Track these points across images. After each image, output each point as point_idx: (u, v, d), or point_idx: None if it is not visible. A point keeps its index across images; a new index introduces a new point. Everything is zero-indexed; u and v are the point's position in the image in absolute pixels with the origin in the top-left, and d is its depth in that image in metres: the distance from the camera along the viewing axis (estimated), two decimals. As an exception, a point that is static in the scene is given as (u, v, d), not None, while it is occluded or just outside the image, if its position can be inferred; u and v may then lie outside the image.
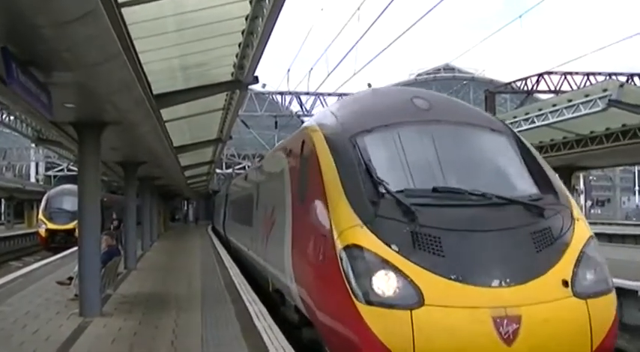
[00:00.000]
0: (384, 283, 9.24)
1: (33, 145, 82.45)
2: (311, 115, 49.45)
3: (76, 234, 17.14)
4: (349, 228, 9.92)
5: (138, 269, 25.93)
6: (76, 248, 21.68)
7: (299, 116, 61.62)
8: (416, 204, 9.93)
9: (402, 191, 10.30)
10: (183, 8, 13.50)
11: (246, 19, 14.25)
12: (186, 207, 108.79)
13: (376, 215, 9.92)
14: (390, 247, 9.46)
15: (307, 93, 58.86)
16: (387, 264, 9.32)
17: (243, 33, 15.08)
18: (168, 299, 18.14)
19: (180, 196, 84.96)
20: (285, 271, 13.21)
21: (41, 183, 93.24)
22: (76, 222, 45.00)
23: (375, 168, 10.63)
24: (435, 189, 10.40)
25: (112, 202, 55.54)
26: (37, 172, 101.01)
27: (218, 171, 76.56)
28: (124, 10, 10.28)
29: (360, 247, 9.61)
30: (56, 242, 48.87)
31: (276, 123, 63.93)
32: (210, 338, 12.85)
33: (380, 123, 11.52)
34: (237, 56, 16.89)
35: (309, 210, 11.58)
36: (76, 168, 75.04)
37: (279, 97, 61.40)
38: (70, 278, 18.28)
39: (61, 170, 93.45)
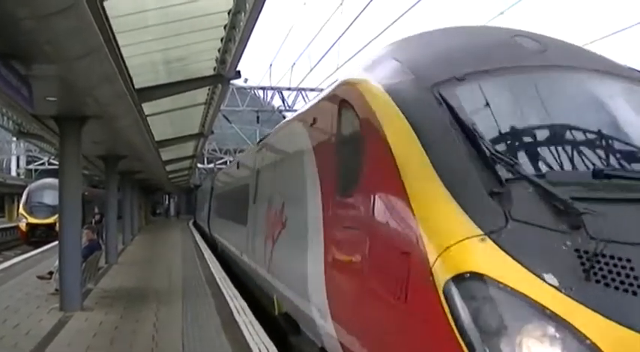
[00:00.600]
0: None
1: (14, 139, 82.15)
2: (293, 111, 49.38)
3: (57, 228, 17.08)
4: (460, 243, 5.62)
5: (119, 264, 25.89)
6: (56, 242, 21.66)
7: (281, 111, 61.63)
8: (576, 198, 5.72)
9: (541, 175, 6.09)
10: (166, 2, 13.45)
11: (229, 13, 14.22)
12: (167, 202, 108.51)
13: (508, 218, 5.68)
14: (542, 279, 5.29)
15: (289, 89, 58.80)
16: (543, 314, 5.13)
17: (225, 27, 15.05)
18: (149, 293, 18.12)
19: (162, 190, 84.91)
20: (309, 297, 9.22)
21: (22, 176, 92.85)
22: (56, 216, 45.06)
23: (485, 137, 6.27)
24: (598, 173, 6.15)
25: (93, 196, 55.38)
26: (17, 166, 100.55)
27: (200, 165, 76.43)
28: (105, 4, 10.24)
29: (484, 278, 5.37)
30: (37, 236, 48.79)
31: (258, 118, 63.87)
32: (190, 332, 12.86)
33: (476, 67, 7.16)
34: (219, 51, 16.86)
35: (367, 207, 7.19)
36: (57, 162, 74.90)
37: (260, 92, 61.30)
38: (51, 273, 18.27)
39: (42, 164, 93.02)
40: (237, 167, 24.93)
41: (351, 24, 22.58)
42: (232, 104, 56.97)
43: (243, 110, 62.30)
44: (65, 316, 14.49)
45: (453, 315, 5.28)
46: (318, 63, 43.21)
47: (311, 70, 49.80)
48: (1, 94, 10.73)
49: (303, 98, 56.48)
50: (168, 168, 42.59)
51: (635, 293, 5.17)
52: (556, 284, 5.23)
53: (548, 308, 5.10)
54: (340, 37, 23.85)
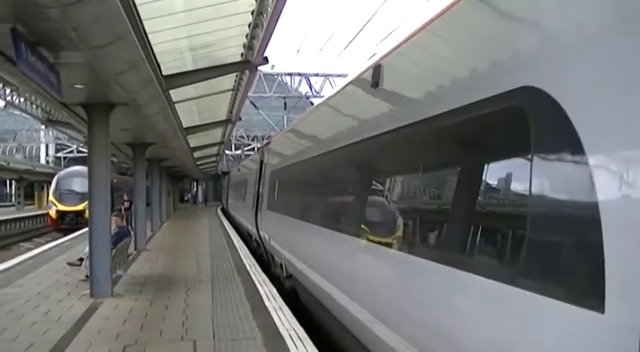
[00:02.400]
0: None
1: (43, 127, 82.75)
2: (320, 97, 49.31)
3: (86, 215, 17.17)
4: None
5: (148, 250, 26.00)
6: (85, 229, 21.75)
7: (308, 97, 61.60)
8: None
9: None
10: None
11: (256, -1, 14.19)
12: (195, 189, 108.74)
13: None
14: None
15: (317, 75, 58.79)
16: None
17: (252, 13, 14.99)
18: (179, 279, 18.15)
19: (189, 177, 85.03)
20: None
21: (51, 164, 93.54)
22: (85, 203, 45.19)
23: None
24: None
25: (121, 183, 55.67)
26: (47, 154, 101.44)
27: (227, 152, 76.58)
28: (132, -10, 10.24)
29: None
30: (66, 223, 49.16)
31: (285, 104, 63.92)
32: (220, 318, 12.85)
33: None
34: (246, 36, 16.80)
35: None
36: (85, 150, 75.43)
37: (288, 78, 61.30)
38: (81, 260, 18.38)
39: (71, 151, 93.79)
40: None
41: (379, 8, 22.38)
42: (259, 90, 57.09)
43: (271, 96, 62.40)
44: (95, 302, 14.55)
45: None
46: (345, 48, 43.00)
47: (338, 56, 49.38)
48: (30, 82, 10.78)
49: (331, 84, 56.42)
50: (196, 154, 42.63)
51: None
52: None
53: None
54: (368, 22, 23.67)
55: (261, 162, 25.89)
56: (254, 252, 26.18)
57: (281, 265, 18.47)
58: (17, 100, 35.26)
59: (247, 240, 31.63)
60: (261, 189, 24.99)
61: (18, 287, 16.88)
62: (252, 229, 27.49)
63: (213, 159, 57.60)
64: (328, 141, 12.32)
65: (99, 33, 9.29)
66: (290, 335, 11.26)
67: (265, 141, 27.51)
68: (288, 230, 16.93)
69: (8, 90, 32.85)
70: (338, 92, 12.60)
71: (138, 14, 10.92)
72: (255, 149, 66.85)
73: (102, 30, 9.21)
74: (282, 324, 12.06)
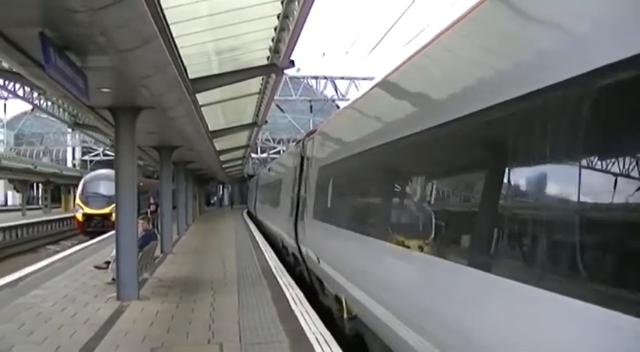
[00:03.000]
0: None
1: (69, 130, 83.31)
2: (346, 100, 49.26)
3: (112, 218, 17.25)
4: None
5: (174, 253, 26.09)
6: (112, 232, 21.86)
7: (334, 100, 61.64)
8: None
9: None
10: (218, -8, 13.50)
11: (282, 2, 14.19)
12: (221, 192, 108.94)
13: None
14: None
15: (342, 78, 58.81)
16: None
17: (278, 17, 15.00)
18: (205, 282, 18.19)
19: (215, 180, 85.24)
20: None
21: (77, 167, 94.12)
22: (112, 206, 45.73)
23: None
24: None
25: (147, 186, 55.89)
26: (73, 157, 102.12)
27: (253, 155, 76.76)
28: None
29: None
30: (92, 226, 49.47)
31: (311, 107, 64.01)
32: (247, 321, 12.86)
33: None
34: (272, 40, 16.82)
35: None
36: (111, 153, 75.92)
37: (313, 81, 61.35)
38: (107, 263, 18.46)
39: (97, 155, 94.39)
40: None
41: (405, 11, 22.38)
42: (285, 93, 57.22)
43: (296, 99, 62.49)
44: (122, 305, 14.62)
45: None
46: (371, 51, 42.95)
47: (364, 59, 49.31)
48: (58, 86, 10.85)
49: (356, 87, 56.40)
50: (222, 157, 42.72)
51: None
52: None
53: None
54: (393, 25, 23.59)
55: (302, 158, 20.03)
56: (279, 252, 26.00)
57: (338, 298, 13.06)
58: (44, 104, 35.57)
59: (279, 250, 27.13)
60: (302, 192, 19.12)
61: (45, 289, 16.99)
62: (290, 241, 21.61)
63: (239, 162, 57.73)
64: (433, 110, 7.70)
65: (126, 37, 9.33)
66: (317, 338, 11.25)
67: (309, 131, 20.68)
68: (354, 252, 11.51)
69: (36, 94, 33.14)
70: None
71: (164, 18, 10.97)
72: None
73: (129, 34, 9.25)
74: (309, 328, 12.05)
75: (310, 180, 17.64)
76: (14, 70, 13.95)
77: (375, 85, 11.26)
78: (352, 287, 11.18)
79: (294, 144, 25.68)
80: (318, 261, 15.23)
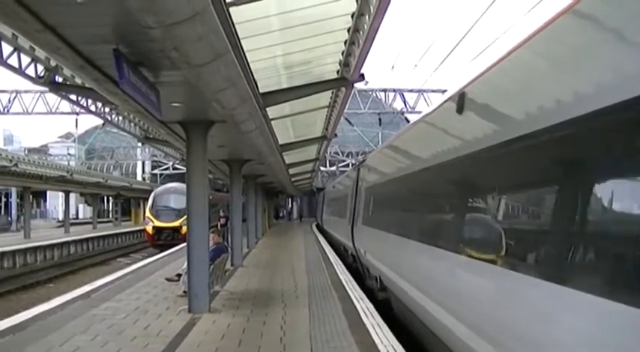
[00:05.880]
0: None
1: (139, 144, 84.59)
2: (416, 112, 49.13)
3: (182, 231, 17.45)
4: None
5: (244, 266, 26.20)
6: (182, 245, 22.01)
7: (402, 113, 61.47)
8: None
9: None
10: (288, 7, 13.55)
11: (352, 16, 14.20)
12: (290, 205, 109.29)
13: None
14: None
15: (411, 91, 58.58)
16: None
17: (349, 30, 15.02)
18: (276, 295, 18.23)
19: (284, 193, 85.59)
20: None
21: (147, 181, 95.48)
22: (181, 219, 46.25)
23: None
24: None
25: (217, 200, 56.32)
26: (143, 171, 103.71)
27: (322, 168, 76.91)
28: (230, 10, 10.37)
29: None
30: (162, 239, 49.90)
31: (379, 120, 63.94)
32: (318, 334, 12.85)
33: None
34: (342, 54, 16.84)
35: None
36: (181, 167, 76.84)
37: (382, 94, 61.25)
38: (179, 275, 18.63)
39: (167, 168, 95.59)
40: None
41: (475, 23, 22.15)
42: (354, 106, 57.18)
43: (365, 112, 62.43)
44: (194, 318, 14.73)
45: None
46: (441, 64, 42.65)
47: (434, 71, 49.10)
48: (131, 101, 11.01)
49: (425, 100, 56.16)
50: (291, 171, 42.86)
51: None
52: None
53: None
54: (464, 37, 23.47)
55: (358, 180, 25.78)
56: (349, 267, 26.13)
57: (375, 277, 19.11)
58: (116, 119, 36.17)
59: (343, 254, 31.96)
60: (357, 205, 25.00)
61: (118, 301, 17.21)
62: (347, 243, 28.23)
63: (308, 175, 57.86)
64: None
65: (199, 52, 9.42)
66: (388, 351, 11.20)
67: (362, 159, 26.88)
68: (389, 247, 16.12)
69: (107, 109, 33.71)
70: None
71: (236, 33, 11.07)
72: (350, 165, 66.27)
73: (202, 49, 9.35)
74: (380, 341, 12.00)
75: (361, 197, 23.74)
76: (87, 85, 14.19)
77: (406, 130, 15.91)
78: (386, 270, 16.28)
79: (352, 168, 31.96)
80: (364, 254, 21.44)
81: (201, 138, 15.76)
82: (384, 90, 60.15)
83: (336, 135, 31.49)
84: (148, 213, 53.64)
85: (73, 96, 28.80)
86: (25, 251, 41.51)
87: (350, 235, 26.23)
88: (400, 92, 58.99)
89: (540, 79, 6.66)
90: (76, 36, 9.09)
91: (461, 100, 9.26)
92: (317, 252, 34.18)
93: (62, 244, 48.10)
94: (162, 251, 37.44)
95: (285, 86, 18.22)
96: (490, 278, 7.51)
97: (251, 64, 13.75)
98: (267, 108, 17.60)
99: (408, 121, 37.28)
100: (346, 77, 17.96)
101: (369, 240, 20.76)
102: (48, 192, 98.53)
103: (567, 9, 5.96)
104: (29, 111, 52.85)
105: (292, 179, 51.72)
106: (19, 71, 19.14)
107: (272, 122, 20.15)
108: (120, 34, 8.84)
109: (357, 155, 77.94)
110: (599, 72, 5.33)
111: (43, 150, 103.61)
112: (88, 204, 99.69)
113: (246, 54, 12.83)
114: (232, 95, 12.67)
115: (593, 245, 5.37)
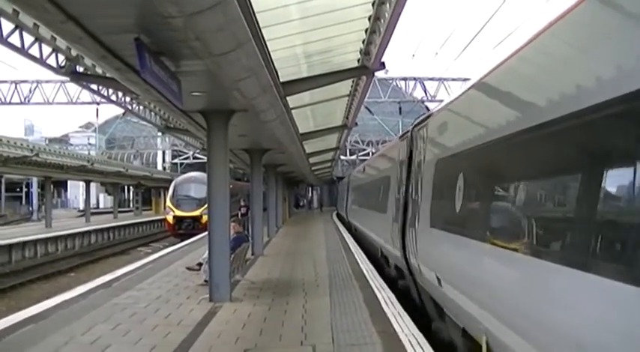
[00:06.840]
0: None
1: (159, 134, 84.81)
2: (437, 101, 48.97)
3: (203, 220, 17.48)
4: None
5: (265, 256, 26.26)
6: (202, 234, 22.03)
7: (423, 102, 61.32)
8: None
9: None
10: (308, -5, 13.51)
11: (373, 4, 14.12)
12: (310, 194, 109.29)
13: None
14: None
15: (431, 79, 58.40)
16: None
17: (369, 19, 14.94)
18: (296, 284, 18.26)
19: (305, 183, 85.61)
20: None
21: (168, 170, 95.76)
22: (202, 208, 46.37)
23: None
24: None
25: (237, 189, 56.43)
26: (163, 160, 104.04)
27: (342, 157, 76.87)
28: (251, -1, 10.35)
29: None
30: (183, 228, 50.01)
31: (400, 109, 63.80)
32: (339, 323, 12.86)
33: None
34: (363, 42, 16.76)
35: None
36: (201, 156, 76.97)
37: (402, 83, 61.06)
38: (200, 264, 18.69)
39: (187, 158, 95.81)
40: None
41: (496, 11, 22.05)
42: (374, 95, 57.02)
43: (385, 101, 62.29)
44: (214, 307, 14.77)
45: None
46: (462, 51, 42.43)
47: (455, 59, 48.88)
48: (152, 91, 11.02)
49: (446, 89, 55.97)
50: (312, 160, 42.82)
51: None
52: None
53: None
54: (485, 25, 23.34)
55: (412, 153, 16.44)
56: (370, 256, 25.73)
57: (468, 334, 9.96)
58: (136, 108, 36.25)
59: (375, 257, 25.02)
60: (412, 194, 15.61)
61: (139, 290, 17.30)
62: (394, 252, 18.53)
63: (329, 164, 57.80)
64: None
65: (221, 41, 9.40)
66: (409, 341, 11.17)
67: (418, 120, 16.56)
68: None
69: (128, 99, 33.78)
70: None
71: (257, 22, 11.04)
72: (370, 155, 65.80)
73: (224, 38, 9.32)
74: (402, 330, 11.97)
75: (425, 179, 13.79)
76: (108, 75, 14.21)
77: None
78: (497, 325, 7.98)
79: (399, 138, 20.62)
80: (438, 284, 11.57)
81: (222, 127, 15.78)
82: (405, 79, 59.99)
83: (356, 124, 31.37)
84: (168, 203, 53.79)
85: (94, 86, 28.90)
86: (46, 240, 41.79)
87: (399, 241, 16.78)
88: (421, 81, 58.83)
89: None
90: (98, 26, 9.12)
91: None
92: (337, 241, 34.16)
93: (83, 233, 48.37)
94: (182, 240, 37.58)
95: (305, 75, 18.15)
96: None
97: (272, 53, 13.72)
98: (287, 97, 17.57)
99: (428, 109, 35.80)
100: (367, 66, 17.86)
101: (448, 257, 11.17)
102: (69, 182, 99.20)
103: None
104: (50, 101, 53.11)
105: (312, 168, 51.68)
106: (41, 61, 19.16)
107: (292, 111, 20.11)
108: (141, 24, 8.85)
109: (378, 144, 77.82)
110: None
111: (63, 139, 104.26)
112: (109, 194, 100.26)
113: (267, 43, 12.80)
114: (253, 84, 12.65)
115: None
